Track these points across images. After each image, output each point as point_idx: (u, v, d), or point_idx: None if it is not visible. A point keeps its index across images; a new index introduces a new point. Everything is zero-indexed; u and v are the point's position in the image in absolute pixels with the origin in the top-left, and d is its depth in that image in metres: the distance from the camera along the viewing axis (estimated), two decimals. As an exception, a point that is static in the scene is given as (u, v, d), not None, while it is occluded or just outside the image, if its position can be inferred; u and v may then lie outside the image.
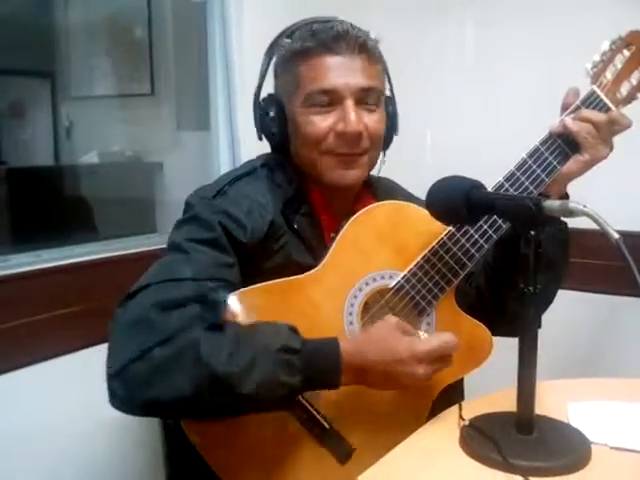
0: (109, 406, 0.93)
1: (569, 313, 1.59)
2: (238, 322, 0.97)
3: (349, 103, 1.05)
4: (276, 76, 1.13)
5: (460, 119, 1.99)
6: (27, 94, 3.10)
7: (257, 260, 1.04)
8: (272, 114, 1.09)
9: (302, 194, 1.11)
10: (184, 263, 0.98)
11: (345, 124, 1.05)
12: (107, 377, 0.91)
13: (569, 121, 1.07)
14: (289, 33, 1.10)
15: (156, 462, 1.26)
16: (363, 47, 1.06)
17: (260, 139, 1.15)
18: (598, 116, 1.07)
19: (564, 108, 1.10)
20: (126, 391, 0.90)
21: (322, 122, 1.06)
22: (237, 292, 1.02)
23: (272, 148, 1.15)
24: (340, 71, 1.05)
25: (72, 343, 1.44)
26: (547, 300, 1.11)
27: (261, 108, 1.12)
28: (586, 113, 1.07)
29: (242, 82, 1.81)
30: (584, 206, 0.82)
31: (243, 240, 1.03)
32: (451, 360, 0.96)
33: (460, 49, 2.01)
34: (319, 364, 0.92)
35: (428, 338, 0.96)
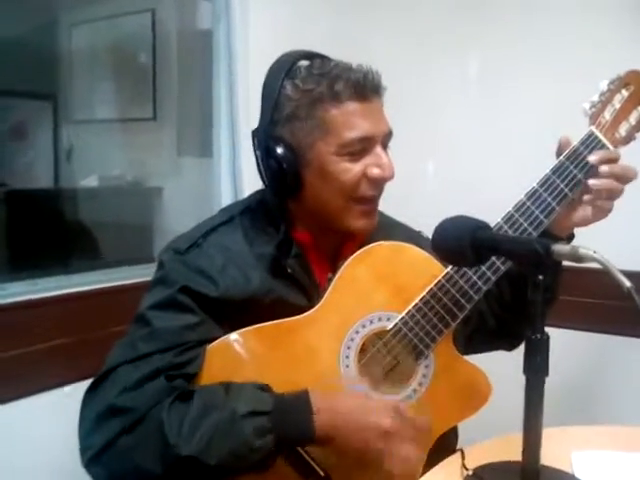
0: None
1: (567, 354, 1.56)
2: (208, 385, 0.97)
3: (380, 148, 1.04)
4: (290, 118, 1.03)
5: (463, 149, 1.98)
6: (29, 116, 3.10)
7: (243, 311, 1.02)
8: (284, 157, 1.02)
9: (289, 236, 1.08)
10: (147, 338, 0.99)
11: (382, 170, 1.03)
12: (83, 464, 0.96)
13: (594, 181, 1.04)
14: (305, 76, 1.03)
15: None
16: (380, 88, 1.05)
17: (264, 181, 1.08)
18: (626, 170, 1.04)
19: (560, 153, 1.07)
20: (102, 475, 0.95)
21: (356, 169, 1.03)
22: (231, 335, 1.00)
23: (274, 190, 1.07)
24: (371, 117, 1.02)
25: (68, 374, 1.42)
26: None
27: (267, 148, 1.04)
28: (618, 168, 1.04)
29: (246, 110, 1.80)
30: (594, 252, 0.79)
31: (214, 295, 1.01)
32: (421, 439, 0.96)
33: (464, 78, 2.01)
34: (290, 423, 0.92)
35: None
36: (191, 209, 2.27)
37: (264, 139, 1.04)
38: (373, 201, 1.07)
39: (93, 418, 0.96)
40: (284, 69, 1.04)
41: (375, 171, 1.03)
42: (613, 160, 1.04)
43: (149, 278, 1.59)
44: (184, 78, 2.55)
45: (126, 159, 2.81)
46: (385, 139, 1.05)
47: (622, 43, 1.70)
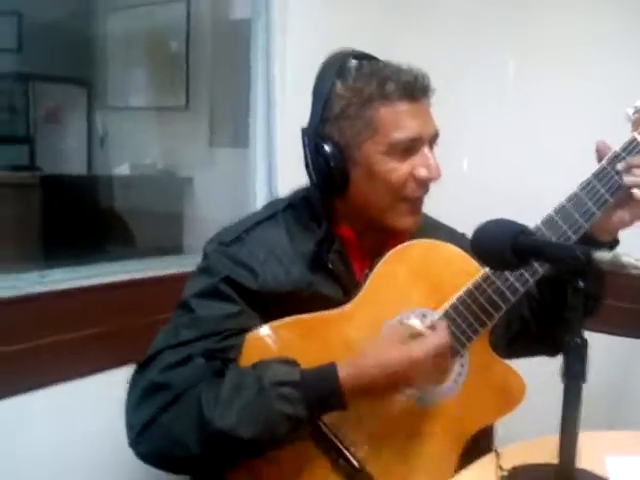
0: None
1: (603, 358, 1.55)
2: (241, 367, 1.01)
3: (427, 149, 1.05)
4: (340, 117, 1.04)
5: (499, 150, 1.98)
6: (64, 101, 3.15)
7: (282, 303, 1.04)
8: (333, 155, 1.04)
9: (332, 233, 1.09)
10: (189, 324, 1.03)
11: (429, 171, 1.04)
12: (129, 442, 1.00)
13: (630, 179, 1.03)
14: (356, 75, 1.05)
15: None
16: (429, 90, 1.06)
17: (310, 177, 1.09)
18: None
19: (601, 157, 1.06)
20: (147, 454, 1.00)
21: (403, 168, 1.04)
22: (268, 325, 1.02)
23: (321, 187, 1.09)
24: (420, 118, 1.04)
25: (99, 363, 1.45)
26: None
27: (316, 146, 1.06)
28: None
29: (282, 102, 1.81)
30: (636, 260, 0.78)
31: (254, 287, 1.04)
32: (446, 361, 0.99)
33: (500, 78, 2.00)
34: (319, 390, 0.95)
35: (422, 341, 0.98)
36: (223, 200, 2.29)
37: (313, 137, 1.06)
38: (419, 200, 1.08)
39: (137, 397, 1.00)
40: (334, 68, 1.05)
41: (423, 171, 1.04)
42: None
43: (183, 269, 1.65)
44: (217, 68, 2.56)
45: (158, 148, 2.84)
46: (432, 140, 1.06)
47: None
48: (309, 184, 1.12)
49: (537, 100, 1.91)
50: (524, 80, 1.96)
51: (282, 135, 1.82)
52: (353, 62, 1.07)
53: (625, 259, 0.78)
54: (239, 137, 2.09)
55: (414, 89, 1.02)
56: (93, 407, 1.40)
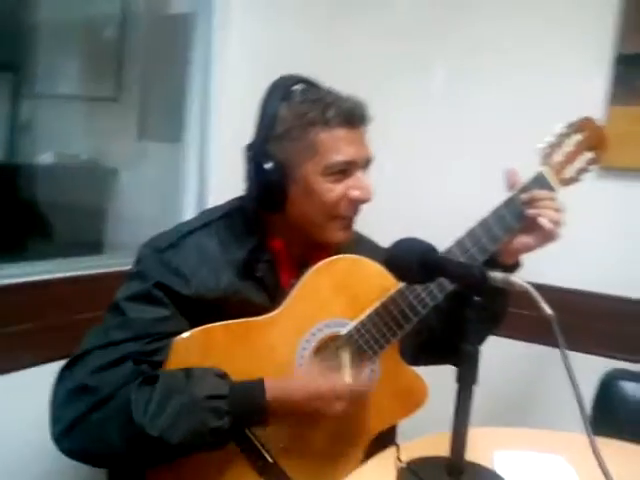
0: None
1: (500, 360, 1.70)
2: (172, 370, 1.06)
3: (361, 173, 1.15)
4: (283, 137, 1.12)
5: (424, 160, 2.09)
6: (-14, 85, 3.03)
7: (212, 309, 1.11)
8: (273, 172, 1.11)
9: (264, 244, 1.17)
10: (120, 326, 1.08)
11: (361, 192, 1.13)
12: (53, 437, 1.05)
13: (541, 216, 1.14)
14: (300, 100, 1.13)
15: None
16: (367, 119, 1.15)
17: (250, 191, 1.16)
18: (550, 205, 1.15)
19: (510, 187, 1.18)
20: (71, 450, 1.05)
21: (338, 189, 1.13)
22: (197, 329, 1.09)
23: (259, 202, 1.15)
24: (356, 144, 1.13)
25: (19, 361, 1.46)
26: (483, 337, 1.21)
27: (258, 162, 1.13)
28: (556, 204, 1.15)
29: (219, 100, 1.84)
30: (523, 281, 0.91)
31: (186, 293, 1.10)
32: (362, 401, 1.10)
33: (428, 84, 2.09)
34: (246, 405, 1.03)
35: (347, 379, 1.08)
36: (150, 196, 2.29)
37: (256, 154, 1.13)
38: (351, 219, 1.18)
39: (64, 395, 1.04)
40: (281, 91, 1.13)
41: (356, 193, 1.13)
42: (543, 199, 1.15)
43: (105, 270, 1.66)
44: (151, 61, 2.55)
45: (85, 138, 2.79)
46: (366, 164, 1.16)
47: (583, 71, 1.84)
48: (244, 193, 1.19)
49: (464, 109, 2.02)
50: (453, 87, 2.05)
51: (216, 133, 1.85)
52: (299, 86, 1.15)
53: (512, 279, 0.91)
54: (170, 132, 2.08)
55: (353, 117, 1.12)
56: (17, 403, 1.42)
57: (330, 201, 1.13)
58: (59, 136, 2.80)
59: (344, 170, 1.12)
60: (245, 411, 1.02)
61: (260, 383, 1.04)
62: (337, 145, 1.11)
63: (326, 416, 1.07)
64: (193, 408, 1.00)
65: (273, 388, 1.04)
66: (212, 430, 1.00)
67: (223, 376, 1.05)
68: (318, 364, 1.12)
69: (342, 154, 1.11)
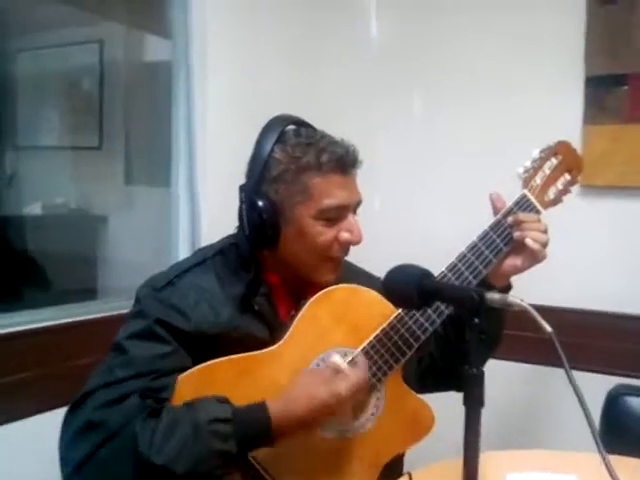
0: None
1: (504, 383, 1.71)
2: (175, 404, 1.06)
3: (352, 216, 1.17)
4: (277, 179, 1.14)
5: (407, 186, 2.13)
6: (-31, 142, 3.05)
7: (213, 344, 1.11)
8: (267, 211, 1.13)
9: (259, 278, 1.18)
10: (123, 365, 1.07)
11: (352, 235, 1.16)
12: (63, 478, 1.03)
13: (527, 237, 1.17)
14: (294, 143, 1.14)
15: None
16: (358, 163, 1.18)
17: (243, 229, 1.17)
18: (537, 227, 1.18)
19: (496, 211, 1.21)
20: None
21: (330, 233, 1.15)
22: (201, 365, 1.09)
23: (252, 240, 1.16)
24: (348, 189, 1.16)
25: (22, 410, 1.45)
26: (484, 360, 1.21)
27: (252, 202, 1.14)
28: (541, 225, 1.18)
29: (203, 143, 1.86)
30: (521, 300, 0.92)
31: (186, 329, 1.10)
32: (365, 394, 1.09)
33: (408, 115, 2.15)
34: (250, 427, 1.02)
35: (344, 378, 1.06)
36: (141, 239, 2.31)
37: (250, 194, 1.15)
38: (340, 260, 1.20)
39: (72, 435, 1.03)
40: (275, 133, 1.15)
41: (346, 235, 1.16)
42: (529, 221, 1.18)
43: (100, 315, 1.66)
44: (132, 108, 2.59)
45: (71, 187, 2.81)
46: (357, 207, 1.19)
47: (559, 92, 1.89)
48: (237, 232, 1.20)
49: (442, 133, 2.07)
50: (429, 111, 2.11)
51: (203, 177, 1.86)
52: (292, 128, 1.18)
53: (510, 299, 0.92)
54: (157, 176, 2.11)
55: (346, 162, 1.15)
56: (19, 452, 1.41)
57: (321, 244, 1.15)
58: (46, 187, 2.81)
59: (336, 215, 1.15)
60: (250, 432, 1.02)
61: (261, 403, 1.04)
62: (330, 190, 1.13)
63: (331, 407, 1.05)
64: (197, 434, 0.99)
65: (275, 405, 1.04)
66: (218, 453, 0.99)
67: (224, 401, 1.04)
68: (311, 370, 1.12)
69: (335, 199, 1.14)
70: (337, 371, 1.07)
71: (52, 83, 2.82)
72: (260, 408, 1.03)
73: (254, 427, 1.02)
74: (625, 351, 1.79)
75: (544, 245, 1.18)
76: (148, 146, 2.43)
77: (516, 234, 1.18)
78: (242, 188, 1.18)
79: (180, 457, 0.99)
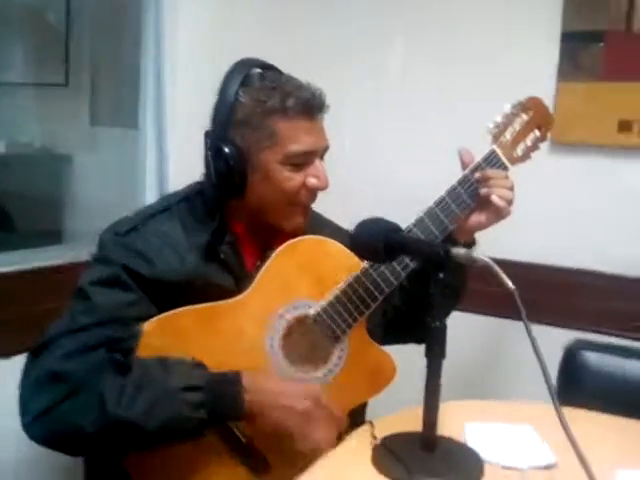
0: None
1: (466, 335, 1.74)
2: (146, 359, 1.05)
3: (319, 161, 1.15)
4: (242, 124, 1.12)
5: (380, 142, 2.10)
6: None
7: (177, 292, 1.10)
8: (233, 158, 1.11)
9: (225, 226, 1.17)
10: (87, 311, 1.06)
11: (319, 181, 1.14)
12: (22, 425, 1.02)
13: (493, 194, 1.16)
14: (259, 87, 1.12)
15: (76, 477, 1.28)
16: (324, 107, 1.15)
17: (209, 177, 1.15)
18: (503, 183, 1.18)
19: (464, 165, 1.20)
20: (42, 436, 1.03)
21: (297, 178, 1.13)
22: (166, 314, 1.08)
23: (219, 187, 1.14)
24: (315, 134, 1.14)
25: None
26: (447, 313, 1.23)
27: (218, 148, 1.12)
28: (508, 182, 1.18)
29: (173, 83, 1.81)
30: (485, 257, 0.93)
31: (150, 276, 1.09)
32: (328, 423, 1.07)
33: (386, 64, 2.11)
34: (221, 401, 1.02)
35: (327, 428, 1.06)
36: (106, 181, 2.26)
37: (216, 140, 1.13)
38: (307, 206, 1.18)
39: (34, 383, 1.02)
40: (239, 76, 1.12)
41: (313, 181, 1.14)
42: (499, 177, 1.18)
43: (66, 260, 1.64)
44: (100, 45, 2.51)
45: (36, 126, 2.73)
46: (323, 152, 1.17)
47: (534, 48, 1.87)
48: (204, 178, 1.18)
49: (417, 88, 2.04)
50: (405, 65, 2.07)
51: (173, 116, 1.81)
52: (257, 72, 1.14)
53: (475, 255, 0.94)
54: (124, 117, 2.06)
55: (312, 107, 1.12)
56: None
57: (289, 189, 1.14)
58: (9, 124, 2.73)
59: (303, 160, 1.13)
60: (220, 406, 1.02)
61: (237, 378, 1.03)
62: (296, 135, 1.11)
63: (290, 413, 1.05)
64: (168, 398, 0.99)
65: (248, 381, 1.03)
66: (187, 420, 1.00)
67: (200, 366, 1.04)
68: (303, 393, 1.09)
69: (301, 144, 1.12)
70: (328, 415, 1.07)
71: (15, 14, 2.70)
72: (235, 383, 1.03)
73: (225, 402, 1.02)
74: (585, 307, 1.83)
75: (509, 202, 1.18)
76: (116, 85, 2.36)
77: (482, 190, 1.17)
78: (207, 134, 1.15)
79: (150, 415, 0.98)
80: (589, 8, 1.79)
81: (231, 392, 1.02)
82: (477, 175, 1.18)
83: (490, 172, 1.18)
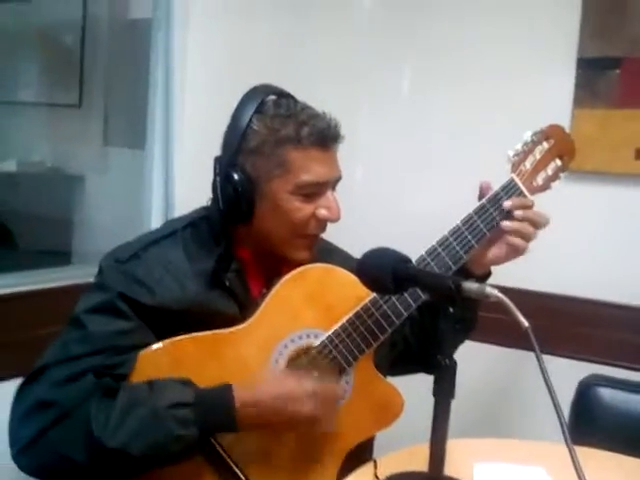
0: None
1: (477, 366, 1.69)
2: (133, 383, 1.03)
3: (330, 192, 1.13)
4: (254, 152, 1.10)
5: (389, 161, 2.07)
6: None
7: (179, 320, 1.07)
8: (242, 185, 1.09)
9: (230, 252, 1.14)
10: (80, 340, 1.04)
11: (330, 212, 1.12)
12: (12, 456, 1.01)
13: (507, 223, 1.15)
14: (273, 114, 1.10)
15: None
16: (339, 138, 1.13)
17: (217, 202, 1.13)
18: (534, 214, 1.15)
19: (482, 196, 1.17)
20: (31, 467, 1.02)
21: (307, 209, 1.11)
22: (166, 342, 1.05)
23: (226, 214, 1.12)
24: (328, 164, 1.11)
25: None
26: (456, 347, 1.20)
27: (227, 174, 1.10)
28: (531, 214, 1.15)
29: (182, 105, 1.80)
30: (498, 291, 0.89)
31: (150, 303, 1.06)
32: (333, 408, 1.07)
33: (395, 88, 2.09)
34: (213, 412, 1.00)
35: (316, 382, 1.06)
36: (116, 203, 2.26)
37: (226, 166, 1.10)
38: (316, 237, 1.16)
39: (22, 412, 1.01)
40: (254, 103, 1.10)
41: (324, 212, 1.12)
42: (527, 207, 1.16)
43: (72, 282, 1.62)
44: (113, 67, 2.52)
45: (48, 145, 2.74)
46: (336, 183, 1.15)
47: (550, 74, 1.84)
48: (209, 203, 1.16)
49: (430, 112, 2.01)
50: (418, 89, 2.05)
51: (180, 138, 1.80)
52: (272, 99, 1.12)
53: (488, 290, 0.89)
54: (135, 137, 2.05)
55: (326, 137, 1.10)
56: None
57: (298, 220, 1.11)
58: (22, 143, 2.74)
59: (314, 190, 1.11)
60: (213, 418, 0.99)
61: (227, 388, 1.01)
62: (309, 165, 1.09)
63: (300, 419, 1.03)
64: (156, 418, 0.97)
65: (241, 392, 1.01)
66: (178, 438, 0.97)
67: (187, 383, 1.02)
68: (285, 370, 1.10)
69: (314, 174, 1.09)
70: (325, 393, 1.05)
71: (32, 37, 2.73)
72: (225, 393, 1.01)
73: (217, 413, 1.00)
74: (602, 339, 1.78)
75: (529, 240, 1.15)
76: (127, 106, 2.36)
77: (505, 224, 1.14)
78: (217, 160, 1.13)
79: (137, 439, 0.96)
80: (605, 34, 1.77)
81: (223, 405, 1.00)
82: (507, 203, 1.15)
83: (517, 201, 1.15)
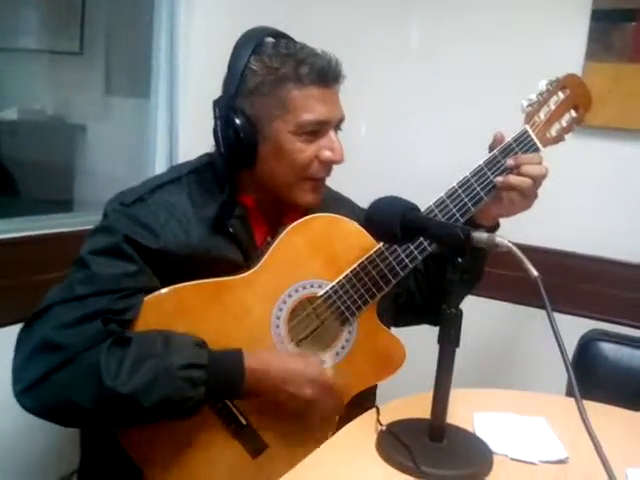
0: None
1: (483, 321, 1.70)
2: (147, 333, 1.02)
3: (333, 133, 1.10)
4: (253, 92, 1.08)
5: (398, 117, 2.04)
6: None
7: (182, 265, 1.07)
8: (243, 128, 1.07)
9: (234, 199, 1.13)
10: (84, 280, 1.03)
11: (333, 153, 1.09)
12: (15, 394, 1.00)
13: (513, 178, 1.12)
14: (272, 54, 1.08)
15: (72, 446, 1.26)
16: (340, 77, 1.10)
17: (218, 147, 1.11)
18: (537, 170, 1.12)
19: (495, 146, 1.14)
20: (33, 407, 1.00)
21: (309, 150, 1.09)
22: (170, 288, 1.05)
23: (228, 158, 1.10)
24: (329, 103, 1.09)
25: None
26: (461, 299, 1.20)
27: (227, 118, 1.08)
28: (528, 169, 1.11)
29: (187, 54, 1.78)
30: (508, 241, 0.88)
31: (155, 247, 1.06)
32: (333, 401, 1.08)
33: (403, 44, 2.04)
34: (223, 378, 1.00)
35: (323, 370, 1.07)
36: (119, 152, 2.23)
37: (225, 109, 1.08)
38: (321, 180, 1.14)
39: (27, 352, 1.00)
40: (251, 44, 1.08)
41: (327, 154, 1.09)
42: (534, 162, 1.12)
43: (74, 228, 1.61)
44: (116, 13, 2.46)
45: (49, 93, 2.70)
46: (338, 124, 1.12)
47: (562, 27, 1.79)
48: (213, 149, 1.14)
49: (440, 68, 1.97)
50: (428, 46, 2.00)
51: (184, 88, 1.79)
52: (270, 40, 1.09)
53: (498, 240, 0.88)
54: (138, 87, 2.02)
55: (327, 75, 1.07)
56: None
57: (301, 161, 1.09)
58: (22, 91, 2.70)
59: (316, 130, 1.09)
60: (222, 384, 1.00)
61: (239, 355, 1.01)
62: (309, 104, 1.07)
63: (297, 400, 1.04)
64: (169, 375, 0.97)
65: (252, 361, 1.01)
66: (186, 399, 0.98)
67: (202, 345, 1.02)
68: (299, 351, 1.11)
69: (314, 113, 1.07)
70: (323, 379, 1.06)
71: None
72: (237, 360, 1.01)
73: (227, 379, 1.00)
74: (603, 295, 1.77)
75: (535, 195, 1.13)
76: (130, 54, 2.32)
77: (513, 179, 1.11)
78: (216, 102, 1.10)
79: (149, 390, 0.96)
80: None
81: (233, 370, 1.00)
82: (509, 162, 1.12)
83: (523, 158, 1.12)
